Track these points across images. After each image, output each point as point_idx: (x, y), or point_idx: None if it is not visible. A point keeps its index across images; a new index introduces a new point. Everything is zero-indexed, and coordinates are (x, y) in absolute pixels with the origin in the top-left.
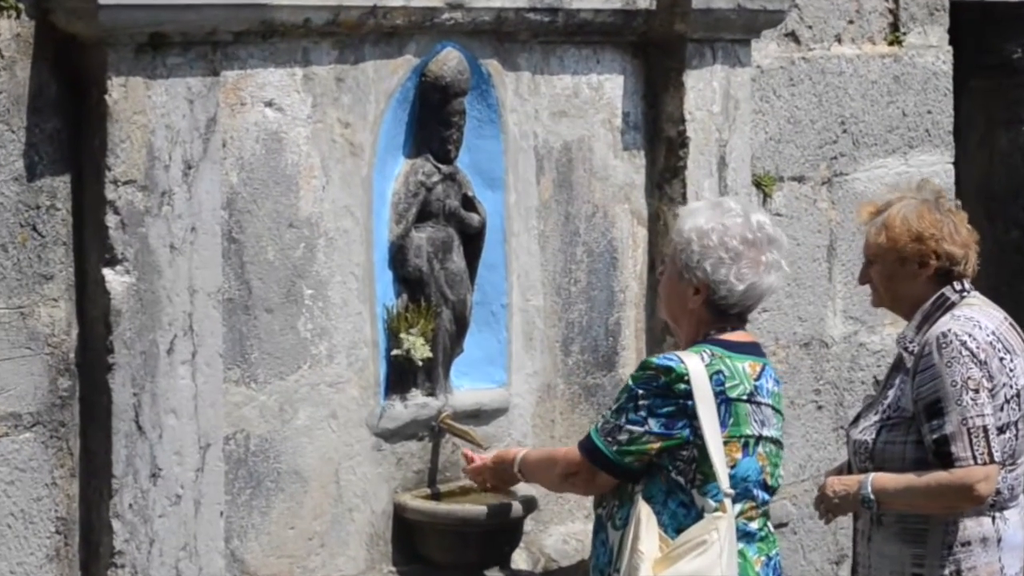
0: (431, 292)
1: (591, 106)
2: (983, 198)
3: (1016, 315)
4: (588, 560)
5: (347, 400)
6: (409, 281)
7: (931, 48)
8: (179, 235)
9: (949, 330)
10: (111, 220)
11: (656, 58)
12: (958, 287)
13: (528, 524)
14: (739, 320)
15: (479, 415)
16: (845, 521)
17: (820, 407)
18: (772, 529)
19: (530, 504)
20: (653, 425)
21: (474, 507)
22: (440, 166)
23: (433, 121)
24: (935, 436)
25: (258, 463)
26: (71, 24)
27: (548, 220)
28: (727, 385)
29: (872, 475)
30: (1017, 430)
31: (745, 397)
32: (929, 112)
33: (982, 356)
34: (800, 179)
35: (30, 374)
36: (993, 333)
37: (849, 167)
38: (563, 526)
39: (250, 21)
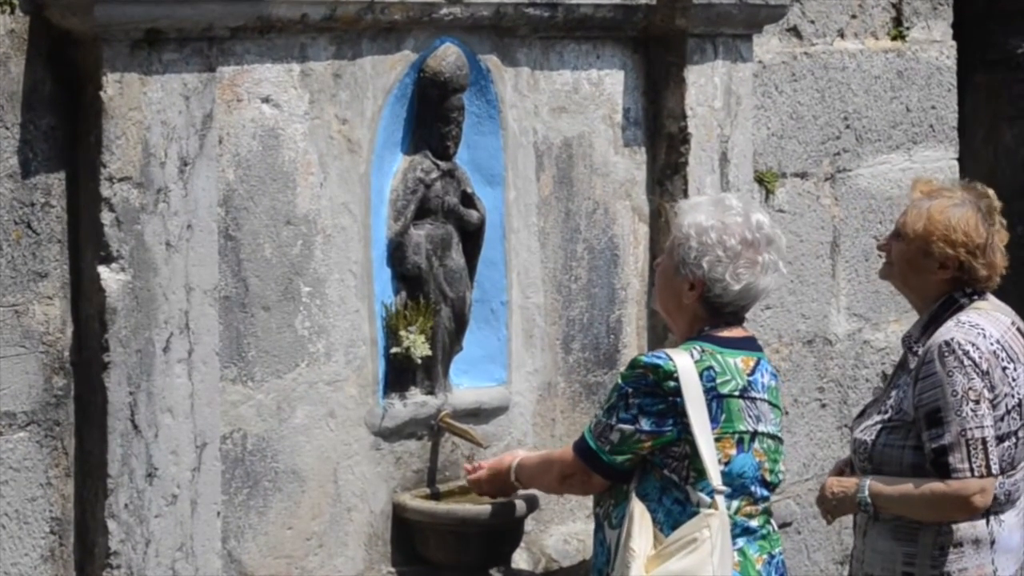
0: (430, 289)
1: (591, 102)
2: None
3: (1021, 312)
4: (590, 560)
5: (345, 399)
6: (408, 278)
7: (935, 43)
8: (175, 232)
9: (952, 338)
10: (106, 217)
11: (657, 53)
12: (969, 290)
13: (528, 524)
14: (734, 317)
15: (479, 414)
16: (849, 521)
17: (824, 405)
18: (775, 527)
19: (531, 504)
20: (644, 424)
21: (474, 507)
22: (439, 162)
23: (432, 117)
24: (934, 445)
25: (255, 462)
26: (66, 20)
27: (548, 217)
28: (718, 381)
29: (869, 479)
30: (1017, 439)
31: (737, 393)
32: (933, 108)
33: (985, 366)
34: (803, 175)
35: (25, 373)
36: (998, 342)
37: (852, 163)
38: (564, 526)
39: (247, 16)
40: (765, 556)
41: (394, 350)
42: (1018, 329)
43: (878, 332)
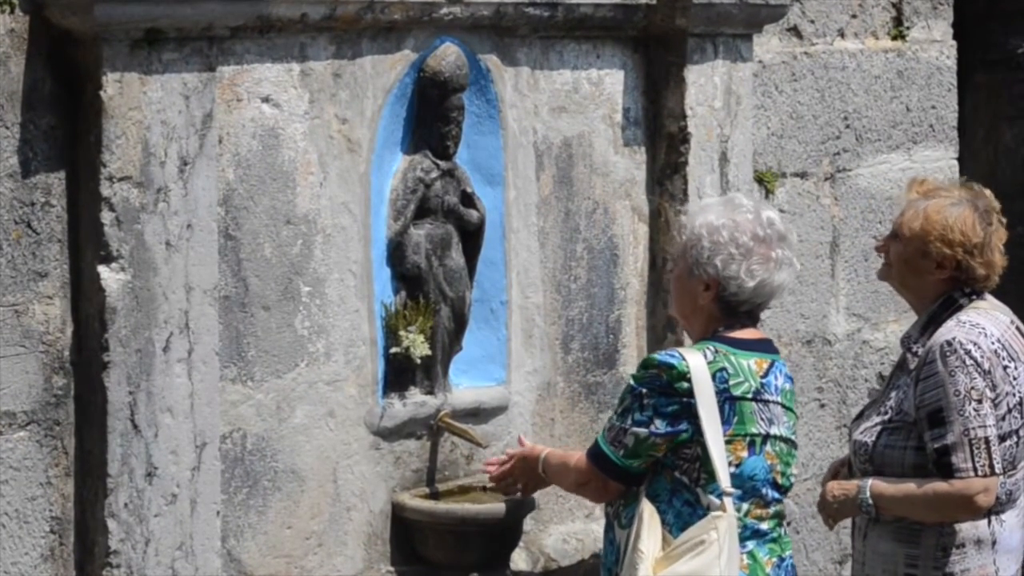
0: (430, 289)
1: (591, 101)
2: None
3: (1022, 311)
4: (588, 560)
5: (345, 398)
6: (407, 278)
7: (935, 43)
8: (175, 232)
9: (954, 338)
10: (106, 217)
11: (657, 53)
12: (967, 289)
13: (528, 524)
14: (749, 318)
15: (478, 413)
16: (848, 520)
17: (823, 405)
18: (786, 530)
19: (530, 504)
20: (659, 425)
21: (473, 507)
22: (439, 162)
23: (431, 117)
24: (936, 445)
25: (255, 462)
26: (66, 19)
27: (548, 216)
28: (731, 383)
29: (871, 481)
30: (1018, 438)
31: (750, 395)
32: (933, 107)
33: (986, 365)
34: (803, 175)
35: (24, 372)
36: (998, 341)
37: (852, 163)
38: (563, 525)
39: (246, 16)
40: (775, 559)
41: (394, 350)
42: (1017, 328)
43: (877, 332)
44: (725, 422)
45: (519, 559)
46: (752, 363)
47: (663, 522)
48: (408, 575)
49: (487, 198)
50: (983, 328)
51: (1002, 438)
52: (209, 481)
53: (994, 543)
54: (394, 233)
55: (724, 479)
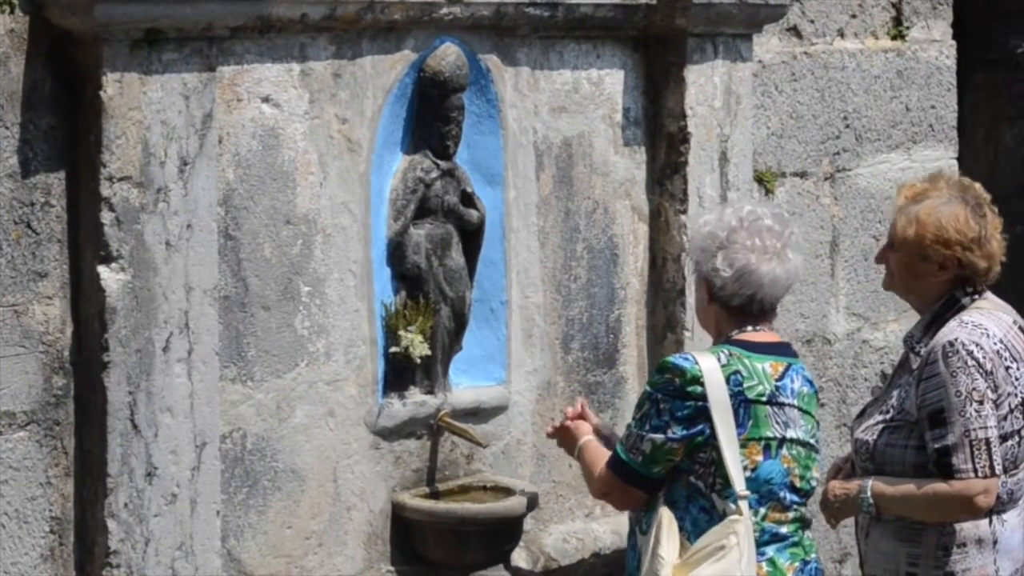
0: (430, 289)
1: (591, 101)
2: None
3: (1022, 311)
4: (588, 560)
5: (345, 398)
6: (407, 278)
7: (935, 43)
8: (175, 232)
9: (956, 339)
10: (106, 217)
11: (657, 53)
12: (969, 288)
13: (528, 523)
14: (760, 319)
15: (478, 413)
16: (848, 520)
17: (823, 404)
18: (810, 534)
19: (530, 503)
20: (675, 430)
21: (473, 506)
22: (439, 162)
23: (431, 117)
24: (937, 446)
25: (255, 462)
26: (66, 19)
27: (548, 216)
28: (745, 386)
29: (871, 480)
30: (1020, 438)
31: (765, 398)
32: (933, 107)
33: (988, 366)
34: (802, 175)
35: (24, 372)
36: (1001, 341)
37: (852, 163)
38: (563, 525)
39: (246, 16)
40: (798, 563)
41: (393, 350)
42: (1020, 328)
43: (877, 332)
44: (740, 425)
45: (519, 559)
46: (767, 366)
47: (681, 529)
48: (408, 575)
49: (487, 198)
50: (985, 329)
51: (1004, 438)
52: (209, 481)
53: (995, 542)
54: (394, 233)
55: (739, 482)
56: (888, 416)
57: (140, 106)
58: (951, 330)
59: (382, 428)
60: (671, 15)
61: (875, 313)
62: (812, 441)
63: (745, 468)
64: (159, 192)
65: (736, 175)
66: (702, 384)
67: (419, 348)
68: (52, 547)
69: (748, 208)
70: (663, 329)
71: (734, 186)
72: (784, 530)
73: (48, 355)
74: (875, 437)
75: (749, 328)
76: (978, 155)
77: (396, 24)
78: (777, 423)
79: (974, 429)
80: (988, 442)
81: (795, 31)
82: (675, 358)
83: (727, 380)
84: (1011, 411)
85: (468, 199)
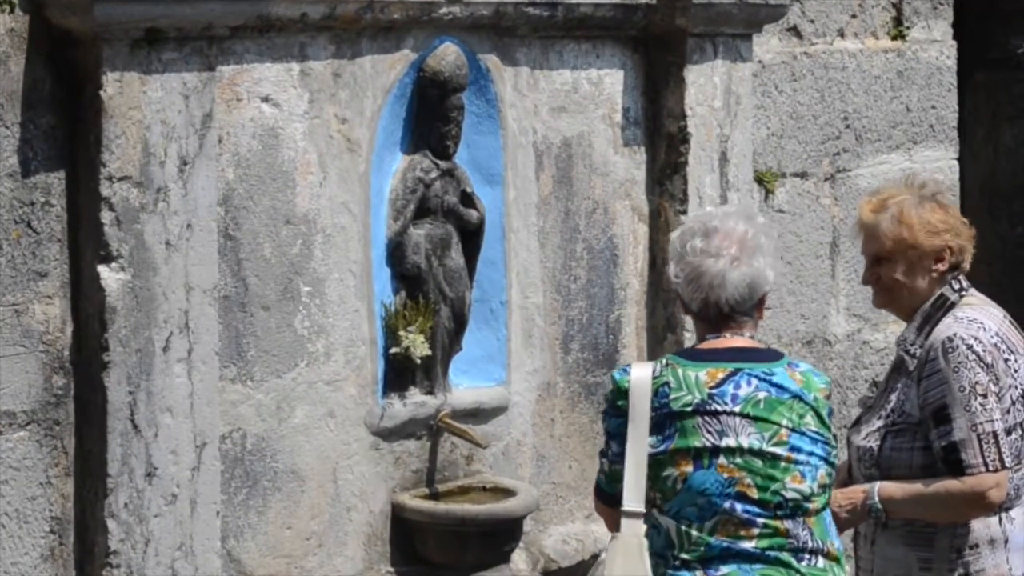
0: (429, 289)
1: (591, 101)
2: (987, 193)
3: (1020, 311)
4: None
5: (345, 399)
6: (407, 278)
7: (935, 43)
8: (175, 232)
9: (955, 334)
10: (106, 217)
11: (656, 53)
12: (956, 286)
13: (527, 524)
14: (719, 324)
15: (478, 413)
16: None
17: None
18: (818, 554)
19: (530, 504)
20: (613, 446)
21: (473, 507)
22: (438, 162)
23: (431, 117)
24: (944, 443)
25: (255, 462)
26: (66, 19)
27: (548, 216)
28: (671, 397)
29: (878, 484)
30: (1023, 430)
31: (690, 409)
32: (933, 107)
33: (988, 359)
34: (803, 175)
35: (24, 372)
36: (997, 334)
37: (852, 163)
38: (563, 526)
39: (246, 16)
40: None
41: (393, 350)
42: (1011, 321)
43: (877, 332)
44: (666, 438)
45: (519, 559)
46: (702, 374)
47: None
48: (408, 575)
49: (487, 198)
50: (981, 323)
51: (1008, 431)
52: (209, 481)
53: (1006, 541)
54: (394, 233)
55: (628, 497)
56: (889, 420)
57: (140, 106)
58: (947, 327)
59: (382, 428)
60: (671, 15)
61: (875, 314)
62: (776, 449)
63: (675, 481)
64: (159, 192)
65: (736, 175)
66: (627, 397)
67: (420, 348)
68: (52, 547)
69: (706, 211)
70: (663, 329)
71: (734, 186)
72: (747, 546)
73: (48, 355)
74: (879, 442)
75: (713, 335)
76: (978, 155)
77: (396, 24)
78: (709, 432)
79: (981, 423)
80: (995, 435)
81: (795, 31)
82: (616, 371)
83: (655, 392)
84: (1013, 403)
85: (468, 199)
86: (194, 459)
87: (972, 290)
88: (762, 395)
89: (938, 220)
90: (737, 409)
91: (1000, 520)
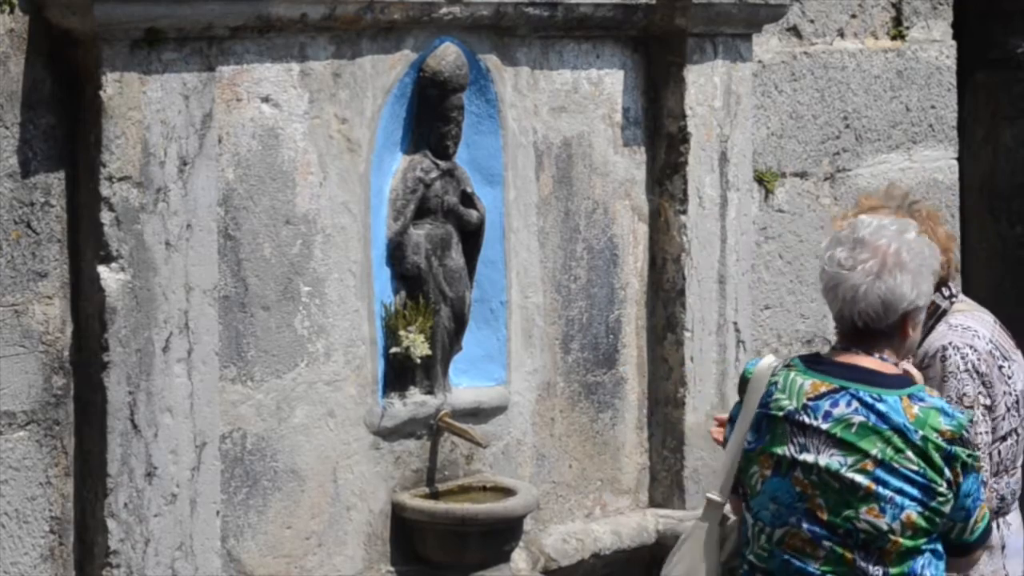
0: (429, 289)
1: (591, 101)
2: (987, 193)
3: (1021, 311)
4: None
5: (345, 398)
6: (407, 278)
7: (935, 42)
8: (175, 232)
9: (950, 343)
10: (106, 217)
11: (656, 53)
12: (946, 292)
13: (528, 523)
14: (852, 338)
15: (478, 413)
16: None
17: None
18: None
19: (530, 503)
20: (728, 432)
21: (473, 506)
22: (438, 162)
23: (431, 117)
24: None
25: (255, 462)
26: (66, 19)
27: (548, 216)
28: (772, 398)
29: None
30: (1018, 436)
31: (783, 414)
32: (933, 107)
33: (983, 368)
34: (802, 175)
35: (24, 372)
36: (991, 341)
37: (852, 163)
38: (563, 525)
39: (246, 16)
40: None
41: (393, 350)
42: (1001, 326)
43: None
44: (760, 436)
45: (519, 558)
46: (807, 383)
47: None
48: (408, 575)
49: (487, 198)
50: (976, 331)
51: (1002, 438)
52: (209, 481)
53: (1003, 547)
54: (394, 233)
55: (718, 483)
56: None
57: (140, 106)
58: (942, 335)
59: (382, 428)
60: (671, 15)
61: None
62: (855, 476)
63: (757, 480)
64: (159, 192)
65: (736, 175)
66: (747, 388)
67: (420, 348)
68: (52, 547)
69: (860, 219)
70: (663, 329)
71: (734, 186)
72: (811, 567)
73: (48, 355)
74: None
75: (840, 348)
76: (978, 155)
77: (396, 24)
78: (793, 443)
79: None
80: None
81: (795, 31)
82: (752, 360)
83: (766, 390)
84: (1008, 410)
85: (468, 199)
86: (194, 459)
87: (961, 295)
88: (858, 419)
89: (929, 232)
90: (825, 427)
91: (997, 525)
